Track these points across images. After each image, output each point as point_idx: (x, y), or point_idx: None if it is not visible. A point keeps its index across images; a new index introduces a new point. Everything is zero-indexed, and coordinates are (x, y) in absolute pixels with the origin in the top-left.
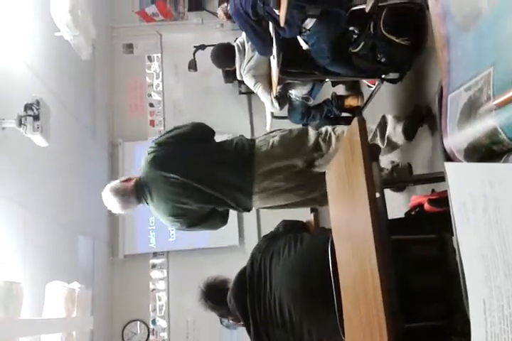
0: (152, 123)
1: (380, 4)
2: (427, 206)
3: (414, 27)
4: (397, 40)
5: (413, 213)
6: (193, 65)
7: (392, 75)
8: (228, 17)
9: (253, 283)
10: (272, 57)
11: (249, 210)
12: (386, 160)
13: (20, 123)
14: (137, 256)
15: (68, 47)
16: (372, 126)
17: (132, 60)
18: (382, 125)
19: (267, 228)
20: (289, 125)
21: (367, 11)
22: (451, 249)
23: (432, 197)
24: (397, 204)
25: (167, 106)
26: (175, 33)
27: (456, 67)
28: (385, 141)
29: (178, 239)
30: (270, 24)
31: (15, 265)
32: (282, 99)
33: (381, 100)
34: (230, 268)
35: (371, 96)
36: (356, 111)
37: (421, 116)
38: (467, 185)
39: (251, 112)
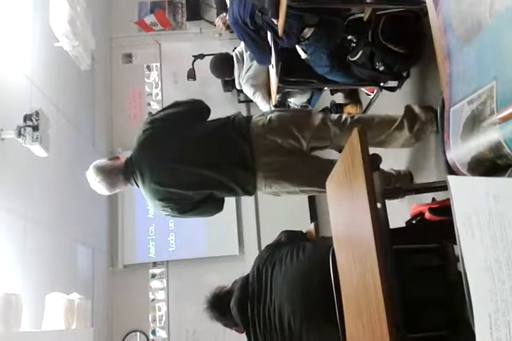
0: None
1: (377, 13)
2: (427, 215)
3: (412, 35)
4: (395, 49)
5: (414, 222)
6: (191, 74)
7: (390, 83)
8: (227, 27)
9: (254, 291)
10: (270, 66)
11: (250, 192)
12: (386, 168)
13: (19, 134)
14: (137, 266)
15: (67, 57)
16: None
17: (131, 69)
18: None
19: (267, 238)
20: None
21: (365, 19)
22: (452, 257)
23: (433, 206)
24: (397, 212)
25: None
26: (174, 43)
27: (458, 80)
28: (415, 128)
29: (177, 249)
30: (269, 33)
31: (14, 276)
32: (281, 107)
33: (380, 108)
34: (231, 278)
35: (370, 104)
36: None
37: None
38: (471, 199)
39: None
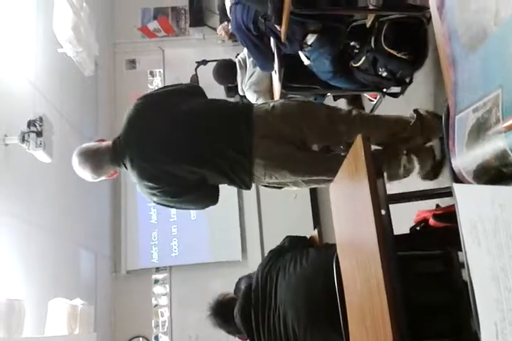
0: None
1: (380, 19)
2: (432, 221)
3: (414, 41)
4: (398, 55)
5: (418, 228)
6: (194, 80)
7: (393, 89)
8: (230, 36)
9: (258, 298)
10: (273, 72)
11: (246, 183)
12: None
13: (23, 140)
14: (139, 272)
15: (71, 63)
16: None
17: (135, 75)
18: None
19: (270, 243)
20: None
21: (368, 26)
22: (457, 264)
23: (437, 213)
24: (401, 217)
25: None
26: (177, 49)
27: (463, 88)
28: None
29: (180, 254)
30: (272, 39)
31: (17, 281)
32: None
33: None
34: (233, 284)
35: (373, 110)
36: None
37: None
38: (477, 207)
39: None
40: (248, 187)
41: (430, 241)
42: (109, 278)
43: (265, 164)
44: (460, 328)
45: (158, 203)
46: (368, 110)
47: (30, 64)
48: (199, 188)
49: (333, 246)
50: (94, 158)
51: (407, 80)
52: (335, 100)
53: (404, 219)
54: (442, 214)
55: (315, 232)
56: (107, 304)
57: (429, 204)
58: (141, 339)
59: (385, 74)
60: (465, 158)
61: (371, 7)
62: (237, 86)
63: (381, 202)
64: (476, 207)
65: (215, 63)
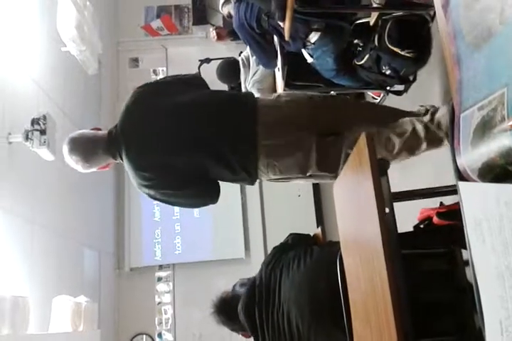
0: None
1: (384, 17)
2: (435, 219)
3: (418, 39)
4: (401, 53)
5: (422, 226)
6: None
7: (397, 87)
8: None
9: (262, 295)
10: (276, 71)
11: (250, 176)
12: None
13: (27, 138)
14: (143, 269)
15: (74, 62)
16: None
17: (138, 73)
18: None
19: (273, 241)
20: None
21: (371, 24)
22: (460, 262)
23: (441, 210)
24: (405, 215)
25: None
26: (180, 47)
27: (468, 86)
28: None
29: (184, 252)
30: (275, 37)
31: (21, 279)
32: None
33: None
34: (236, 281)
35: None
36: None
37: None
38: (482, 205)
39: None
40: (252, 181)
41: (434, 239)
42: (113, 275)
43: (269, 154)
44: (464, 326)
45: (154, 198)
46: None
47: (33, 63)
48: (198, 183)
49: (337, 243)
50: (87, 146)
51: (411, 78)
52: None
53: (407, 217)
54: (446, 212)
55: (318, 230)
56: (111, 301)
57: (433, 202)
58: (144, 336)
59: (388, 72)
60: (470, 156)
61: (375, 5)
62: (240, 83)
63: (385, 200)
64: (481, 205)
65: (218, 61)
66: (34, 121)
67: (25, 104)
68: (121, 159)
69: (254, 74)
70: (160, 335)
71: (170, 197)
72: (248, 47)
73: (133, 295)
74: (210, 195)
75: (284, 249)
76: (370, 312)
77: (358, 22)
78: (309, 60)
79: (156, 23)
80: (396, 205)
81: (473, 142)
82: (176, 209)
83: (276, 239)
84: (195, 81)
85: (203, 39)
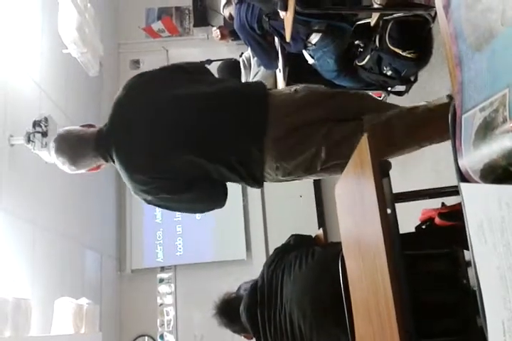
0: None
1: (385, 18)
2: (437, 220)
3: (419, 40)
4: (402, 53)
5: (424, 227)
6: None
7: (398, 88)
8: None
9: (264, 296)
10: (277, 72)
11: (256, 177)
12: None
13: (28, 140)
14: (145, 271)
15: (76, 64)
16: None
17: None
18: None
19: (275, 242)
20: None
21: (372, 24)
22: (462, 263)
23: (443, 211)
24: (407, 216)
25: None
26: (181, 49)
27: (470, 87)
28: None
29: (185, 253)
30: (276, 38)
31: (23, 281)
32: None
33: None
34: (239, 283)
35: None
36: None
37: None
38: (484, 207)
39: None
40: (259, 182)
41: (436, 239)
42: (115, 277)
43: (277, 151)
44: (466, 326)
45: (153, 204)
46: None
47: (35, 65)
48: (200, 186)
49: (338, 244)
50: (74, 145)
51: (412, 79)
52: None
53: (409, 217)
54: (448, 213)
55: (320, 231)
56: (113, 303)
57: (435, 203)
58: (146, 338)
59: (389, 72)
60: (472, 157)
61: (376, 6)
62: None
63: (387, 201)
64: (482, 206)
65: (219, 63)
66: (36, 123)
67: (27, 106)
68: (112, 161)
69: (255, 76)
70: (162, 337)
71: (170, 202)
72: (249, 48)
73: (135, 296)
74: (214, 200)
75: (286, 250)
76: (373, 313)
77: (358, 23)
78: (310, 61)
79: (157, 25)
80: (397, 206)
81: (475, 143)
82: None
83: (278, 240)
84: (198, 69)
85: (204, 40)
